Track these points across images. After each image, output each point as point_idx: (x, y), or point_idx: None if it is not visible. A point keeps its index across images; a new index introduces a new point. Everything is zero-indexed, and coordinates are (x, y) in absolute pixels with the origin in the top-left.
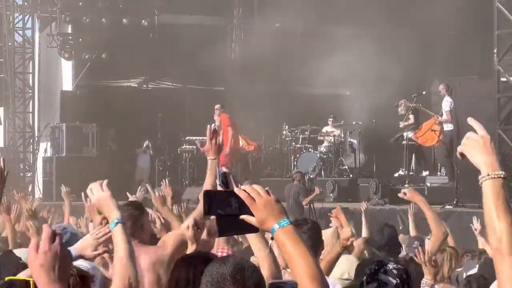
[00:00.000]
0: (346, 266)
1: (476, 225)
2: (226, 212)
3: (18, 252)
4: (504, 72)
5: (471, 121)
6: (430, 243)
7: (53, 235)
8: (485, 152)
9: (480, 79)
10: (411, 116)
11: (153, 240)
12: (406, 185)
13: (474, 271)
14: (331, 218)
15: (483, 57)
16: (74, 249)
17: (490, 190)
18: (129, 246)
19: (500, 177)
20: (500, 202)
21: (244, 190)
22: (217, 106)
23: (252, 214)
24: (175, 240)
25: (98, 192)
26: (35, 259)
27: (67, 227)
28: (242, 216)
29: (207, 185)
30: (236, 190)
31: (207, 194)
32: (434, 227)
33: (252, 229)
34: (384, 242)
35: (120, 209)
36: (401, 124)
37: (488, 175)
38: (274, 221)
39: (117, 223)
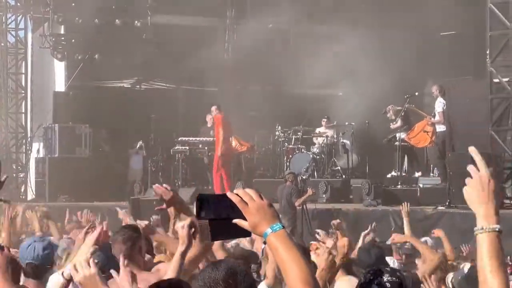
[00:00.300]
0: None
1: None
2: (219, 216)
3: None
4: (496, 73)
5: (472, 152)
6: (424, 266)
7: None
8: (483, 199)
9: (473, 80)
10: (399, 119)
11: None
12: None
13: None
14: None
15: (476, 58)
16: (67, 269)
17: (484, 245)
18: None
19: (495, 230)
20: (494, 258)
21: (237, 194)
22: (213, 108)
23: (244, 218)
24: (166, 273)
25: (83, 270)
26: None
27: (46, 238)
28: (234, 220)
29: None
30: (228, 194)
31: (199, 198)
32: (428, 253)
33: (245, 233)
34: (372, 262)
35: (117, 232)
36: (392, 127)
37: (483, 228)
38: (266, 225)
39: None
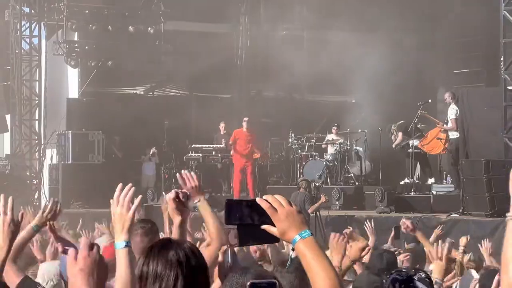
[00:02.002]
0: None
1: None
2: (247, 221)
3: (43, 266)
4: (510, 81)
5: None
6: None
7: (91, 245)
8: None
9: (486, 87)
10: (400, 134)
11: None
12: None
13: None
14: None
15: (489, 66)
16: None
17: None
18: (132, 271)
19: None
20: None
21: (266, 200)
22: (246, 119)
23: (273, 224)
24: None
25: (122, 207)
26: (74, 265)
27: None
28: (263, 226)
29: (211, 228)
30: (258, 199)
31: (228, 203)
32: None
33: (272, 239)
34: (384, 267)
35: (136, 224)
36: (393, 145)
37: None
38: (295, 232)
39: (126, 245)
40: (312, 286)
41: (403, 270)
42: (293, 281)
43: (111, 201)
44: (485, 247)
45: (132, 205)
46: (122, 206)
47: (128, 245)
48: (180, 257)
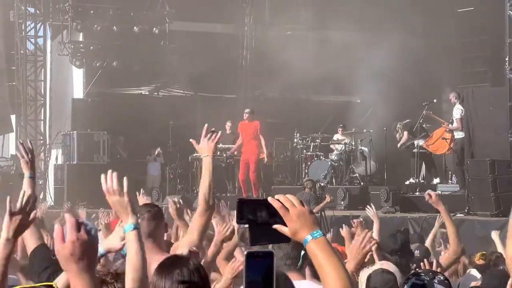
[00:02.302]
0: None
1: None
2: (258, 221)
3: None
4: None
5: None
6: (445, 256)
7: (78, 225)
8: None
9: (491, 87)
10: (405, 133)
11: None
12: (438, 191)
13: (475, 282)
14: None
15: (494, 66)
16: (101, 246)
17: None
18: (143, 254)
19: None
20: None
21: (278, 200)
22: (247, 111)
23: (284, 224)
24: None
25: (114, 195)
26: (63, 249)
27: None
28: (275, 226)
29: (204, 183)
30: (269, 199)
31: (240, 202)
32: (454, 242)
33: (284, 239)
34: (397, 247)
35: (142, 208)
36: (398, 145)
37: None
38: (307, 232)
39: (134, 228)
40: (323, 286)
41: (422, 274)
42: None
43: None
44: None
45: (122, 188)
46: (114, 193)
47: (136, 227)
48: (185, 277)
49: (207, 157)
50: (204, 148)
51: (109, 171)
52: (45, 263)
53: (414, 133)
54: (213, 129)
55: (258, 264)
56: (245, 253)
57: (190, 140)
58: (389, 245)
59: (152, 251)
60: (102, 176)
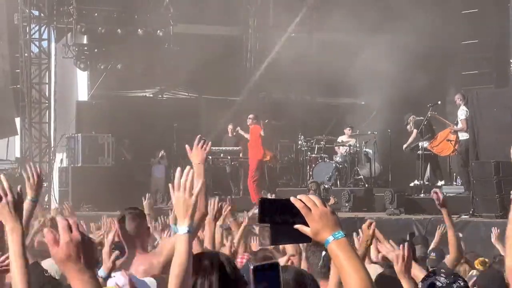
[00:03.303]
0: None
1: (494, 232)
2: (280, 220)
3: (45, 263)
4: None
5: None
6: (449, 261)
7: (69, 225)
8: None
9: (495, 88)
10: (414, 131)
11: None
12: (444, 192)
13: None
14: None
15: (498, 67)
16: (103, 268)
17: None
18: (190, 255)
19: None
20: None
21: (300, 200)
22: (250, 116)
23: (305, 224)
24: (170, 248)
25: (185, 193)
26: (58, 252)
27: None
28: (296, 226)
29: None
30: (292, 199)
31: (262, 201)
32: (454, 247)
33: (305, 239)
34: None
35: (124, 211)
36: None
37: None
38: (329, 232)
39: (188, 231)
40: (344, 286)
41: (442, 275)
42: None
43: (170, 185)
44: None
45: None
46: (184, 190)
47: (190, 231)
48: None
49: (199, 165)
50: (196, 156)
51: (187, 168)
52: (39, 283)
53: (420, 134)
54: (204, 138)
55: (265, 277)
56: (251, 267)
57: (186, 146)
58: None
59: (136, 253)
60: (179, 169)
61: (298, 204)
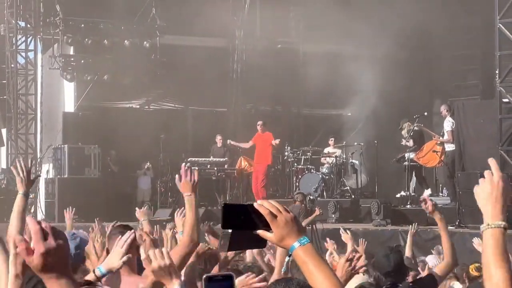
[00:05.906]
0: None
1: (476, 241)
2: (243, 227)
3: None
4: (506, 93)
5: (491, 161)
6: (440, 267)
7: (42, 232)
8: (491, 201)
9: (481, 100)
10: (411, 140)
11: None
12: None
13: None
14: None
15: (484, 78)
16: (102, 265)
17: (489, 241)
18: None
19: (500, 227)
20: (498, 251)
21: (263, 206)
22: (259, 123)
23: (266, 229)
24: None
25: (156, 260)
26: (32, 263)
27: (76, 232)
28: (258, 232)
29: (188, 221)
30: (256, 205)
31: (225, 206)
32: (448, 254)
33: (261, 244)
34: (390, 269)
35: (115, 229)
36: (403, 143)
37: (488, 225)
38: (294, 238)
39: None
40: None
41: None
42: None
43: (142, 262)
44: (475, 243)
45: (163, 253)
46: (155, 259)
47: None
48: None
49: (190, 196)
50: (186, 187)
51: (130, 234)
52: (28, 275)
53: (420, 142)
54: (191, 166)
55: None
56: (204, 277)
57: (176, 176)
58: (383, 267)
59: (123, 272)
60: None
61: (262, 210)
